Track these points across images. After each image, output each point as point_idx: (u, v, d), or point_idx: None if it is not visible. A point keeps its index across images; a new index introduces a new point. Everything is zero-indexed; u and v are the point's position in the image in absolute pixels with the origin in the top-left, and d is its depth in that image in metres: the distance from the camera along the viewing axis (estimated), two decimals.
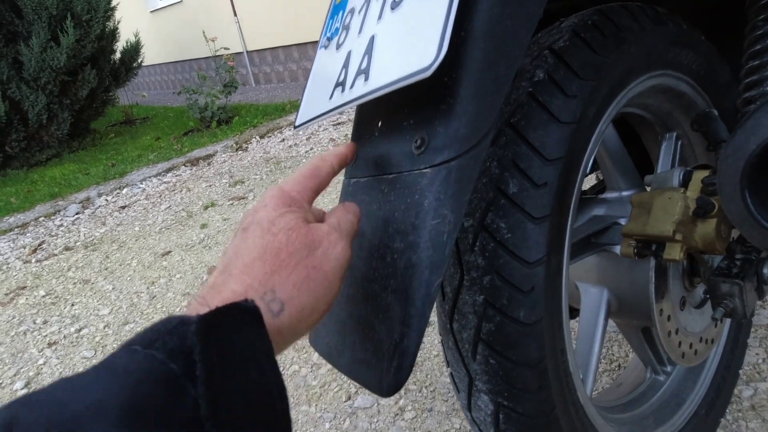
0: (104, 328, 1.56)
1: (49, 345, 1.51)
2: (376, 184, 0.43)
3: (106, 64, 4.74)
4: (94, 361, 1.37)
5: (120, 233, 2.46)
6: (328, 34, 0.53)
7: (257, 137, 3.88)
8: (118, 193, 3.22)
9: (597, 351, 0.67)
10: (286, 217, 0.33)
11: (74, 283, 1.95)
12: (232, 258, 0.31)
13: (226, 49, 4.74)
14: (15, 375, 1.39)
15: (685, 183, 0.57)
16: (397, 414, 1.00)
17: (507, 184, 0.48)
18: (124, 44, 5.13)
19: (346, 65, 0.44)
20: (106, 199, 3.12)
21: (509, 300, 0.47)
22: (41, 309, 1.77)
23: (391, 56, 0.37)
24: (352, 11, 0.48)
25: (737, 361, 0.85)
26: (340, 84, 0.44)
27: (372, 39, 0.41)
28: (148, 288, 1.79)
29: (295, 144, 3.50)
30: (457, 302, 0.51)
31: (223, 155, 3.65)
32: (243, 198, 2.63)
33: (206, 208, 2.59)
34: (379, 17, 0.41)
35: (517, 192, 0.47)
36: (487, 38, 0.37)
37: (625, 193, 0.71)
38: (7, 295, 1.95)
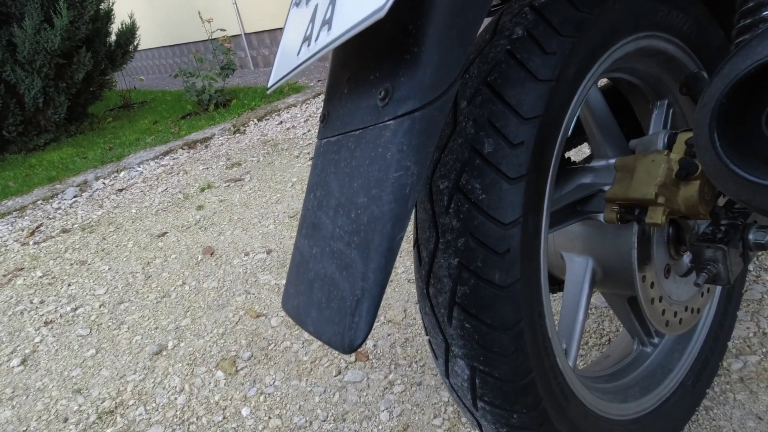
0: (100, 307, 1.57)
1: (46, 324, 1.53)
2: (344, 141, 0.41)
3: (101, 46, 4.68)
4: (90, 339, 1.39)
5: (117, 215, 2.47)
6: None
7: (255, 120, 3.85)
8: (115, 176, 3.21)
9: (581, 320, 0.66)
10: None
11: (71, 264, 1.96)
12: None
13: (222, 30, 4.67)
14: (12, 353, 1.40)
15: (669, 145, 0.56)
16: (387, 388, 1.01)
17: (482, 144, 0.47)
18: (120, 26, 5.06)
19: (312, 19, 0.43)
20: (104, 183, 3.11)
21: (484, 262, 0.46)
22: (38, 289, 1.79)
23: (351, 2, 0.35)
24: None
25: (726, 333, 0.84)
26: (307, 38, 0.43)
27: None
28: (143, 268, 1.79)
29: (293, 126, 3.47)
30: (432, 266, 0.50)
31: (221, 138, 3.63)
32: (240, 180, 2.62)
33: (203, 190, 2.58)
34: None
35: (492, 152, 0.46)
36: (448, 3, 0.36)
37: (611, 161, 0.70)
38: (5, 276, 1.97)
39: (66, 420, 1.09)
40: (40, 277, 1.89)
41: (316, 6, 0.43)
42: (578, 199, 0.65)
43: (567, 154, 0.81)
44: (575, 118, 0.53)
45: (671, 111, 0.75)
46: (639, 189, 0.53)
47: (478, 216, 0.46)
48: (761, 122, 0.30)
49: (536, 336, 0.50)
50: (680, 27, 0.65)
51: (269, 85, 0.51)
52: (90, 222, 2.44)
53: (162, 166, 3.25)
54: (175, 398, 1.09)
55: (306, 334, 1.22)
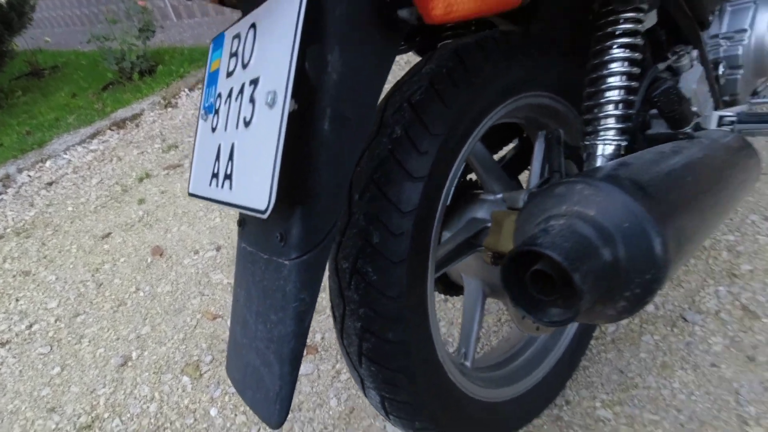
0: (55, 322, 1.61)
1: (2, 344, 1.56)
2: (257, 258, 0.51)
3: None
4: (53, 357, 1.45)
5: (52, 215, 2.39)
6: (206, 105, 0.57)
7: (186, 90, 3.66)
8: (41, 166, 3.03)
9: (476, 329, 0.83)
10: None
11: (14, 276, 1.93)
12: None
13: None
14: None
15: None
16: (335, 377, 1.18)
17: (372, 235, 0.58)
18: None
19: (218, 158, 0.50)
20: (29, 175, 2.94)
21: (380, 326, 0.60)
22: None
23: (244, 178, 0.44)
24: (220, 96, 0.53)
25: None
26: (215, 176, 0.51)
27: (233, 147, 0.47)
28: (93, 275, 1.81)
29: None
30: (343, 325, 0.63)
31: (152, 114, 3.45)
32: (179, 166, 2.57)
33: (141, 180, 2.53)
34: (237, 126, 0.47)
35: (379, 242, 0.58)
36: (326, 160, 0.45)
37: (499, 195, 0.83)
38: None
39: None
40: None
41: (219, 147, 0.51)
42: (470, 235, 0.79)
43: (469, 176, 0.94)
44: (449, 196, 0.65)
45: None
46: (504, 244, 0.67)
47: (372, 292, 0.59)
48: (526, 281, 0.43)
49: (429, 370, 0.66)
50: (547, 84, 0.76)
51: (189, 191, 0.58)
52: (24, 225, 2.36)
53: (91, 151, 3.09)
54: (147, 407, 1.21)
55: None
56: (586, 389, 1.05)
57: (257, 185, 0.41)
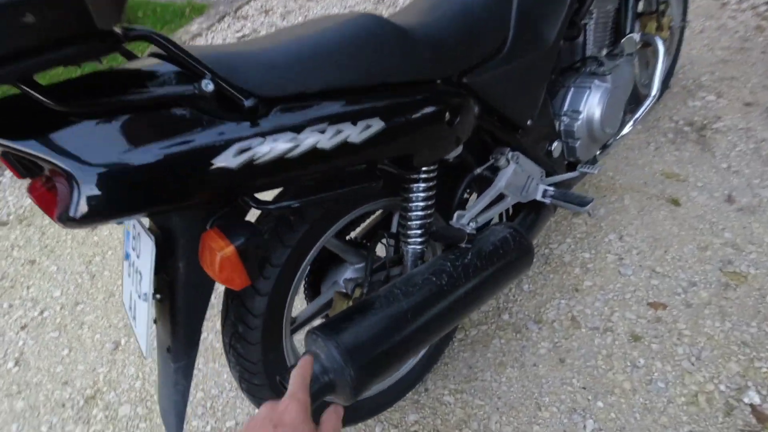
0: (60, 309, 2.02)
1: (22, 328, 1.98)
2: (164, 359, 0.87)
3: None
4: (61, 340, 1.87)
5: None
6: (127, 250, 0.89)
7: None
8: None
9: None
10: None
11: (22, 264, 2.32)
12: None
13: None
14: (4, 356, 1.89)
15: (352, 293, 1.03)
16: None
17: (237, 327, 0.93)
18: None
19: (130, 298, 0.84)
20: None
21: (248, 375, 0.97)
22: (3, 293, 2.19)
23: (139, 328, 0.78)
24: (129, 257, 0.84)
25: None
26: (130, 308, 0.84)
27: (134, 303, 0.80)
28: (87, 267, 2.20)
29: None
30: (231, 371, 1.01)
31: None
32: None
33: None
34: (135, 291, 0.80)
35: (242, 331, 0.93)
36: (181, 319, 0.78)
37: (357, 266, 1.16)
38: None
39: (63, 405, 1.65)
40: (1, 279, 2.27)
41: (131, 293, 0.83)
42: (329, 299, 1.14)
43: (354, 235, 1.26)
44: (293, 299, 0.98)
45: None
46: None
47: (242, 359, 0.95)
48: None
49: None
50: (378, 195, 1.06)
51: (124, 299, 0.92)
52: (24, 212, 2.70)
53: None
54: (134, 383, 1.65)
55: (218, 326, 1.76)
56: (441, 380, 1.46)
57: (143, 339, 0.76)
